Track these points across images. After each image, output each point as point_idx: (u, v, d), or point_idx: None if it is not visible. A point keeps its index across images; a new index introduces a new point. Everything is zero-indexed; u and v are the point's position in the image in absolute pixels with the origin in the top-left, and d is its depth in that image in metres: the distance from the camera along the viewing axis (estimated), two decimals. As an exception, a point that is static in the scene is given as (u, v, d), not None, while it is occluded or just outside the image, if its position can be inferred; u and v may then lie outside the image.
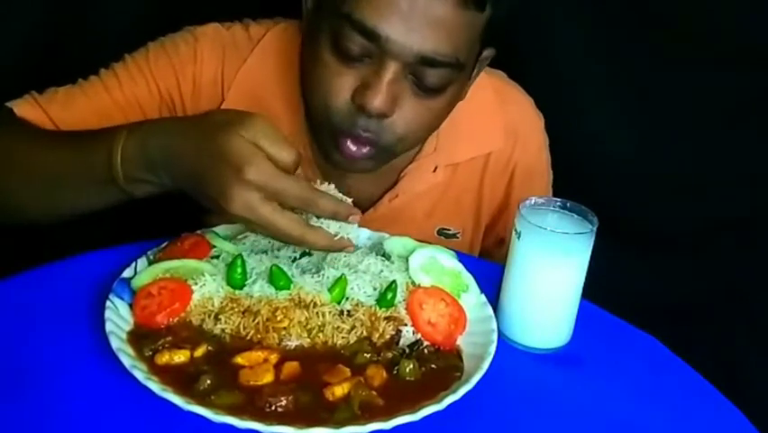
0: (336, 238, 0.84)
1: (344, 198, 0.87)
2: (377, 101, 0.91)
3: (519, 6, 0.99)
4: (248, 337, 0.82)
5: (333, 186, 0.89)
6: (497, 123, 1.16)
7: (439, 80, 0.94)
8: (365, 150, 0.97)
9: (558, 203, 0.93)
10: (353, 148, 0.96)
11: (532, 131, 1.20)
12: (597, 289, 0.96)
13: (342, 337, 0.83)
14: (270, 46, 1.09)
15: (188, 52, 1.07)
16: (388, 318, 0.86)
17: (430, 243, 0.99)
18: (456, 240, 1.20)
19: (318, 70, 0.94)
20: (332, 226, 0.84)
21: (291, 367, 0.78)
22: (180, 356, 0.78)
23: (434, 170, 1.14)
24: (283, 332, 0.82)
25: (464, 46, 0.93)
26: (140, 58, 1.07)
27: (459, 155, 1.15)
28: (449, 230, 1.19)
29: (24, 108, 1.02)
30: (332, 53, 0.93)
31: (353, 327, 0.84)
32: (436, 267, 0.93)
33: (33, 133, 1.00)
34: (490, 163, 1.17)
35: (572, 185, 1.16)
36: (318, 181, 0.88)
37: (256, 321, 0.82)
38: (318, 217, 0.84)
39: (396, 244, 0.98)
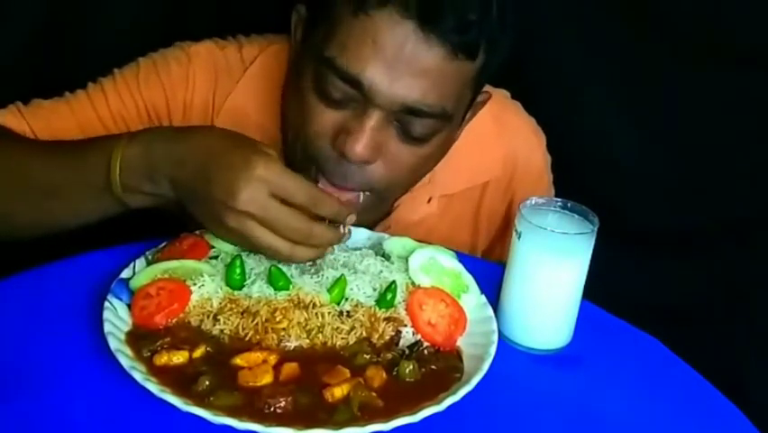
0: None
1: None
2: (357, 147, 0.89)
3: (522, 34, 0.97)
4: (247, 338, 0.82)
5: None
6: (495, 153, 1.13)
7: (425, 129, 0.91)
8: (351, 195, 0.94)
9: (558, 203, 0.93)
10: (333, 191, 0.93)
11: (532, 156, 1.17)
12: (597, 289, 0.95)
13: (342, 338, 0.83)
14: (259, 73, 1.06)
15: (180, 74, 1.04)
16: (387, 319, 0.86)
17: (430, 243, 0.99)
18: None
19: (299, 109, 0.92)
20: None
21: (290, 368, 0.78)
22: (179, 357, 0.78)
23: (429, 201, 1.11)
24: (282, 333, 0.82)
25: (452, 96, 0.90)
26: (129, 75, 1.04)
27: (454, 186, 1.12)
28: None
29: (7, 118, 1.00)
30: (315, 94, 0.90)
31: (353, 328, 0.84)
32: (436, 267, 0.93)
33: (23, 143, 0.98)
34: (488, 192, 1.15)
35: (573, 185, 1.16)
36: None
37: (255, 322, 0.82)
38: None
39: (395, 245, 0.98)
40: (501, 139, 1.13)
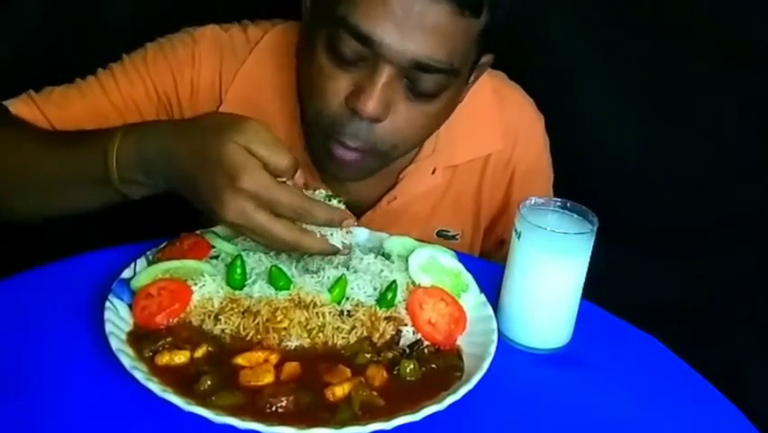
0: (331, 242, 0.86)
1: (337, 203, 0.88)
2: (370, 104, 0.91)
3: (519, 11, 0.98)
4: (248, 338, 0.82)
5: (321, 191, 0.89)
6: (496, 124, 1.15)
7: (433, 85, 0.93)
8: (356, 155, 0.96)
9: (558, 203, 0.93)
10: (344, 152, 0.96)
11: (532, 132, 1.19)
12: (597, 289, 0.96)
13: (343, 338, 0.83)
14: (268, 49, 1.09)
15: (186, 55, 1.07)
16: (388, 318, 0.86)
17: (430, 242, 0.99)
18: (456, 242, 1.19)
19: (313, 73, 0.94)
20: (324, 230, 0.85)
21: (291, 367, 0.78)
22: (180, 357, 0.78)
23: (433, 172, 1.13)
24: (283, 332, 0.82)
25: (459, 52, 0.93)
26: (137, 59, 1.07)
27: (458, 157, 1.14)
28: (448, 232, 1.19)
29: (20, 107, 1.02)
30: (327, 56, 0.93)
31: (353, 328, 0.84)
32: (436, 267, 0.93)
33: (28, 132, 0.99)
34: (490, 165, 1.17)
35: (572, 185, 1.16)
36: (312, 190, 0.89)
37: (256, 322, 0.82)
38: None
39: (395, 244, 0.98)
40: (502, 112, 1.16)
